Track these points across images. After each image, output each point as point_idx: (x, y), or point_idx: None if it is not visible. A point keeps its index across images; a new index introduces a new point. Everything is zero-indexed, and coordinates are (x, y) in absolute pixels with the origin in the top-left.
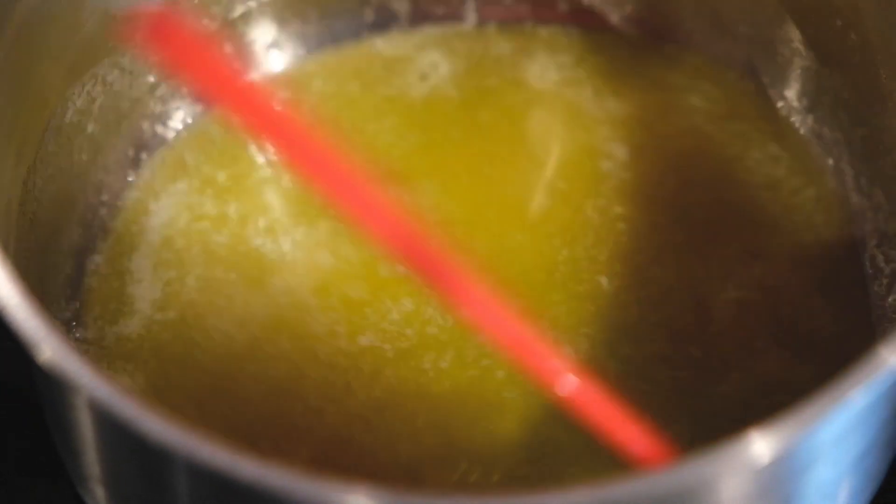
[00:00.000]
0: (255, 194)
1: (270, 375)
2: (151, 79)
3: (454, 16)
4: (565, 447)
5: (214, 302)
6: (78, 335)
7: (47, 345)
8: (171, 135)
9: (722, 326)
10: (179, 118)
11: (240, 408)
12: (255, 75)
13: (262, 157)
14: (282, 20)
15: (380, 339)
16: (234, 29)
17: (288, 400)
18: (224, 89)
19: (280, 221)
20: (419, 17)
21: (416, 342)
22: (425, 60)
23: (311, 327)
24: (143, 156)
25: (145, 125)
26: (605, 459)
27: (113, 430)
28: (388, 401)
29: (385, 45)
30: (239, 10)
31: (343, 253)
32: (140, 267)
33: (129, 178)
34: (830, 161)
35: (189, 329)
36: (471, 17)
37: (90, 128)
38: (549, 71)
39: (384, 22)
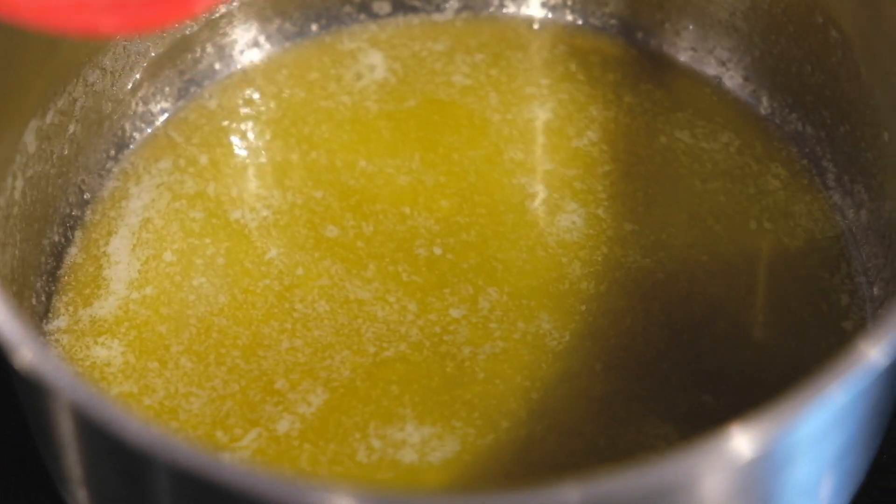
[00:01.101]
0: (232, 186)
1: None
2: (134, 79)
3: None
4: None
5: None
6: (52, 325)
7: (27, 349)
8: (150, 132)
9: (704, 322)
10: (161, 118)
11: (220, 370)
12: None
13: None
14: (263, 18)
15: (357, 300)
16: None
17: (268, 364)
18: None
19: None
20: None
21: (390, 298)
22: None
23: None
24: (124, 155)
25: (127, 125)
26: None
27: (93, 433)
28: (370, 359)
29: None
30: (221, 9)
31: (319, 226)
32: (117, 249)
33: (110, 175)
34: (813, 159)
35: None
36: (451, 7)
37: (72, 128)
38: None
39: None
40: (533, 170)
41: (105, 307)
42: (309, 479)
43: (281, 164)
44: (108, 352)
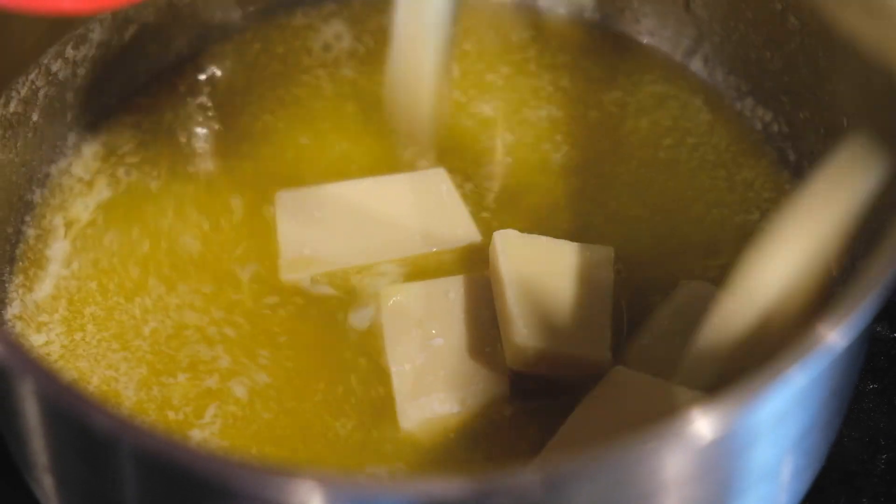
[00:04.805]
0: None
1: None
2: (97, 68)
3: None
4: None
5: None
6: (8, 313)
7: None
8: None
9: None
10: (127, 107)
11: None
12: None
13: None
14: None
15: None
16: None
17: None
18: None
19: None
20: None
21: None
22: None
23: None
24: (89, 145)
25: (90, 114)
26: None
27: (59, 419)
28: (287, 343)
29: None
30: None
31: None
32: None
33: (73, 165)
34: (773, 145)
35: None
36: None
37: (35, 117)
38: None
39: None
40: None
41: (43, 290)
42: (273, 465)
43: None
44: (45, 337)
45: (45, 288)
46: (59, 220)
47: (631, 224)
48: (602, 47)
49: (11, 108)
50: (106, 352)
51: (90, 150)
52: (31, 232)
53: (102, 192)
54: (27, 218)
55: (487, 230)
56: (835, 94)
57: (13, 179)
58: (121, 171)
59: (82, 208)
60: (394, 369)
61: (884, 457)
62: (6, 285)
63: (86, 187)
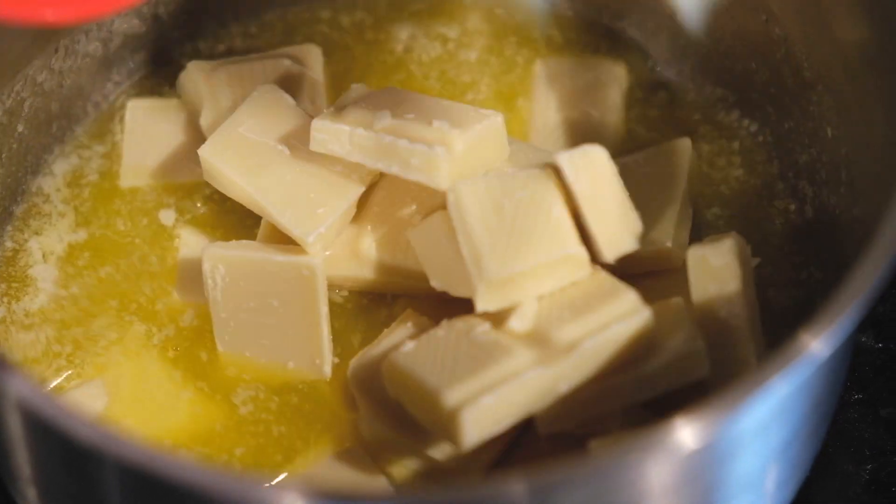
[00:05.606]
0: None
1: None
2: (83, 79)
3: None
4: None
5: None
6: None
7: None
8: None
9: None
10: (114, 119)
11: None
12: None
13: None
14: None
15: None
16: None
17: None
18: None
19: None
20: None
21: None
22: None
23: None
24: (72, 157)
25: (77, 127)
26: None
27: (42, 431)
28: None
29: None
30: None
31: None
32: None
33: (58, 177)
34: (757, 154)
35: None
36: None
37: (20, 128)
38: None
39: None
40: None
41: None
42: (256, 475)
43: None
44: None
45: (31, 300)
46: (44, 227)
47: None
48: (582, 60)
49: None
50: None
51: (75, 160)
52: (9, 244)
53: (87, 201)
54: (8, 228)
55: None
56: (819, 104)
57: None
58: (106, 182)
59: (69, 217)
60: None
61: (868, 467)
62: None
63: (71, 196)
